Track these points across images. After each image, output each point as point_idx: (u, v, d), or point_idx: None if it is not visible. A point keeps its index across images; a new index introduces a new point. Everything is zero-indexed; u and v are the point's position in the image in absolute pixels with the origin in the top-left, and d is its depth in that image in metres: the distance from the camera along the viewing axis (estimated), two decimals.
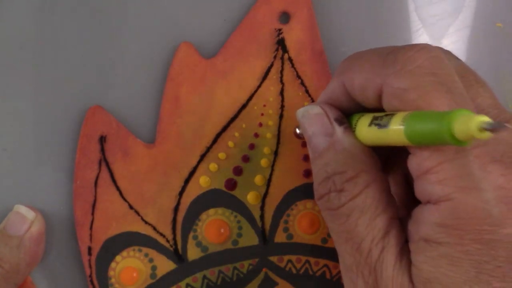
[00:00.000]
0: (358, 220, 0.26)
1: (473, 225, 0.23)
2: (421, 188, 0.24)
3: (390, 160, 0.30)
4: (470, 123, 0.20)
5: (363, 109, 0.27)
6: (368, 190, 0.26)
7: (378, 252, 0.25)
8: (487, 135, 0.20)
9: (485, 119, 0.20)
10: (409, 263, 0.25)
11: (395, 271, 0.25)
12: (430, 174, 0.23)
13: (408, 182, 0.29)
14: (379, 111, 0.26)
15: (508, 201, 0.23)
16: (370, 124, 0.25)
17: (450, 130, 0.21)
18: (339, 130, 0.27)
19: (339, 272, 0.33)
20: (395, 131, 0.24)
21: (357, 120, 0.27)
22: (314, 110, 0.28)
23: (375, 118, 0.25)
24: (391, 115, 0.24)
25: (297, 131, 0.31)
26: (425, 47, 0.24)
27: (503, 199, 0.23)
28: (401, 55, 0.24)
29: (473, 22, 0.35)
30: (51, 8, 0.33)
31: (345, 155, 0.26)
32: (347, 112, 0.28)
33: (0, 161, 0.33)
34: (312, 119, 0.28)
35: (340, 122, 0.27)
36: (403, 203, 0.28)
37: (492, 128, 0.20)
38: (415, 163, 0.24)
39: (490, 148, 0.23)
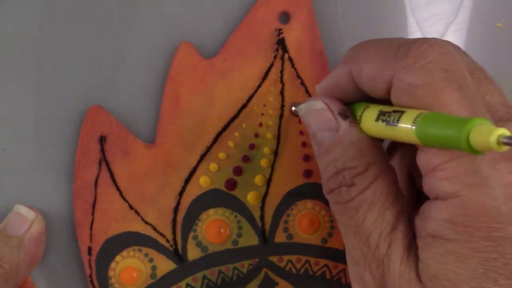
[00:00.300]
0: (367, 214, 0.26)
1: (482, 222, 0.23)
2: (430, 185, 0.24)
3: (394, 156, 0.30)
4: (489, 135, 0.20)
5: (368, 98, 0.27)
6: (376, 183, 0.26)
7: (386, 246, 0.25)
8: (505, 148, 0.20)
9: (505, 132, 0.20)
10: (417, 259, 0.25)
11: (403, 266, 0.25)
12: (439, 170, 0.23)
13: (412, 178, 0.29)
14: (385, 101, 0.26)
15: None
16: (377, 119, 0.25)
17: (467, 139, 0.21)
18: (344, 125, 0.27)
19: (339, 272, 0.33)
20: (405, 130, 0.23)
21: (362, 112, 0.27)
22: (316, 105, 0.28)
23: (382, 114, 0.25)
24: (400, 112, 0.24)
25: (293, 108, 0.31)
26: (437, 42, 0.24)
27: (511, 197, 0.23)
28: (413, 49, 0.24)
29: (472, 22, 0.35)
30: (52, 8, 0.33)
31: (353, 149, 0.26)
32: (350, 100, 0.28)
33: (0, 161, 0.33)
34: (316, 115, 0.28)
35: (344, 116, 0.27)
36: (409, 199, 0.28)
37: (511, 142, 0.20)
38: (423, 159, 0.24)
39: None
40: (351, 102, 0.28)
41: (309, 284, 0.33)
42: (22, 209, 0.32)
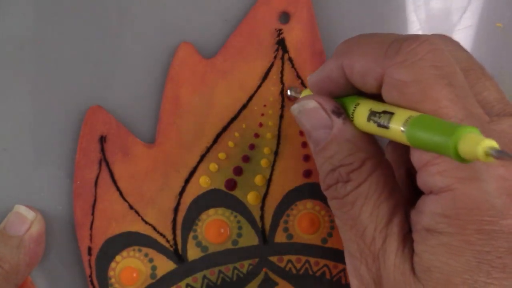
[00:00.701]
0: (362, 207, 0.26)
1: (474, 216, 0.23)
2: (423, 180, 0.24)
3: (392, 152, 0.30)
4: (477, 146, 0.20)
5: (359, 92, 0.27)
6: (372, 177, 0.26)
7: (381, 240, 0.26)
8: (492, 160, 0.20)
9: (493, 144, 0.20)
10: (412, 252, 0.25)
11: (397, 259, 0.25)
12: (431, 165, 0.24)
13: (410, 173, 0.29)
14: (376, 96, 0.26)
15: (510, 192, 0.23)
16: (368, 119, 0.26)
17: (455, 148, 0.21)
18: (338, 122, 0.27)
19: (339, 272, 0.33)
20: (396, 132, 0.24)
21: (353, 109, 0.27)
22: (309, 104, 0.28)
23: (372, 114, 0.25)
24: (389, 113, 0.24)
25: (288, 93, 0.32)
26: (427, 39, 0.24)
27: (504, 190, 0.23)
28: (404, 47, 0.24)
29: (473, 22, 0.35)
30: (51, 8, 0.33)
31: (348, 146, 0.27)
32: (341, 94, 0.28)
33: (0, 161, 0.33)
34: (309, 114, 0.28)
35: (337, 113, 0.27)
36: (407, 194, 0.29)
37: (499, 156, 0.20)
38: (416, 155, 0.24)
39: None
40: (342, 96, 0.28)
41: (309, 284, 0.33)
42: (22, 209, 0.32)
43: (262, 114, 0.33)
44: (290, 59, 0.33)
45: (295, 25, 0.33)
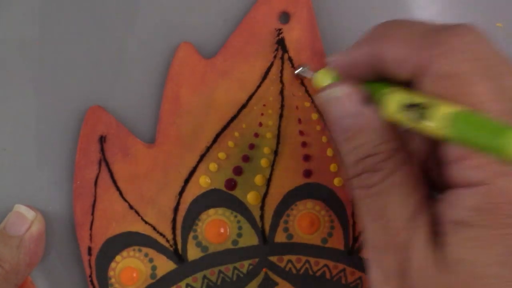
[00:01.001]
0: (390, 199, 0.26)
1: (508, 210, 0.23)
2: (457, 173, 0.24)
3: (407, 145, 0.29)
4: None
5: (385, 78, 0.26)
6: (401, 168, 0.26)
7: (407, 232, 0.25)
8: None
9: None
10: (439, 244, 0.25)
11: (424, 252, 0.25)
12: (467, 159, 0.23)
13: (427, 167, 0.29)
14: (405, 84, 0.25)
15: None
16: (401, 111, 0.25)
17: (504, 150, 0.21)
18: (367, 111, 0.26)
19: (339, 272, 0.33)
20: (431, 125, 0.23)
21: (383, 97, 0.26)
22: (337, 92, 0.27)
23: (407, 105, 0.25)
24: (426, 106, 0.24)
25: (295, 72, 0.32)
26: (469, 28, 0.24)
27: None
28: (446, 36, 0.24)
29: (473, 22, 0.35)
30: (52, 8, 0.33)
31: (377, 136, 0.26)
32: (366, 79, 0.27)
33: (0, 161, 0.33)
34: (337, 102, 0.27)
35: (367, 102, 0.27)
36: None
37: None
38: (450, 148, 0.24)
39: None
40: (366, 80, 0.27)
41: (309, 284, 0.33)
42: (22, 209, 0.32)
43: (262, 114, 0.33)
44: (290, 59, 0.33)
45: (295, 25, 0.33)
